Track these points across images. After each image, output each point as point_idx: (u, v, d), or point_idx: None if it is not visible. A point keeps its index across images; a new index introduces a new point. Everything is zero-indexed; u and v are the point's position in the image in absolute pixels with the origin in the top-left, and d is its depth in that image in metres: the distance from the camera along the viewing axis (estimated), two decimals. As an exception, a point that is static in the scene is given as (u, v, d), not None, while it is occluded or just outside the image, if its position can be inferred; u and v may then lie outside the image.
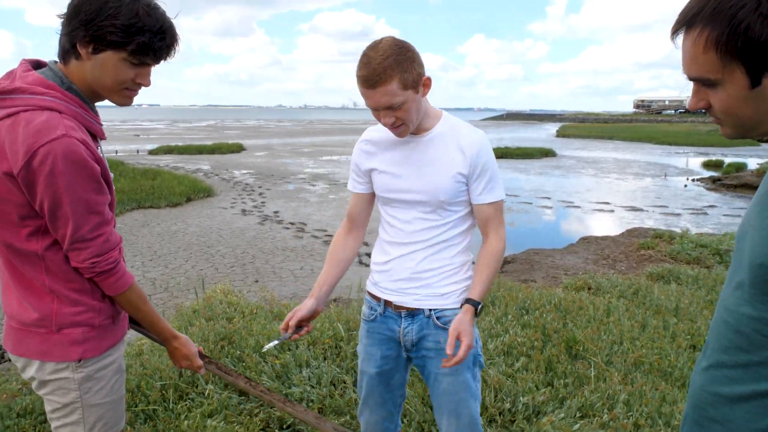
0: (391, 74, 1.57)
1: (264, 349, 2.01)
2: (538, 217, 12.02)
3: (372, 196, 1.95)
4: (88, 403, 1.54)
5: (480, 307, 1.73)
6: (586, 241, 9.08)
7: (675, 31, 0.97)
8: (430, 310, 1.82)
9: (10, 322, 1.50)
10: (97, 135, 1.46)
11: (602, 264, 7.43)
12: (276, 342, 1.87)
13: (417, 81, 1.64)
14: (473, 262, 1.91)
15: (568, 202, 13.84)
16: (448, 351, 1.62)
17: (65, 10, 1.37)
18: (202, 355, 1.81)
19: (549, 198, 14.31)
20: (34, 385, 1.55)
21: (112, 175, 1.53)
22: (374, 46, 1.61)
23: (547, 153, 26.78)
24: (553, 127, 65.48)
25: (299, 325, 1.85)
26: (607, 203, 13.67)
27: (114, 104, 1.51)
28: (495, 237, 1.82)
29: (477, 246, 1.88)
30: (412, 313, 1.85)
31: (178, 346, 1.73)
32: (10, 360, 3.76)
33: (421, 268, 1.82)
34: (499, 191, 1.80)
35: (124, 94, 1.46)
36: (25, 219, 1.37)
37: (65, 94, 1.37)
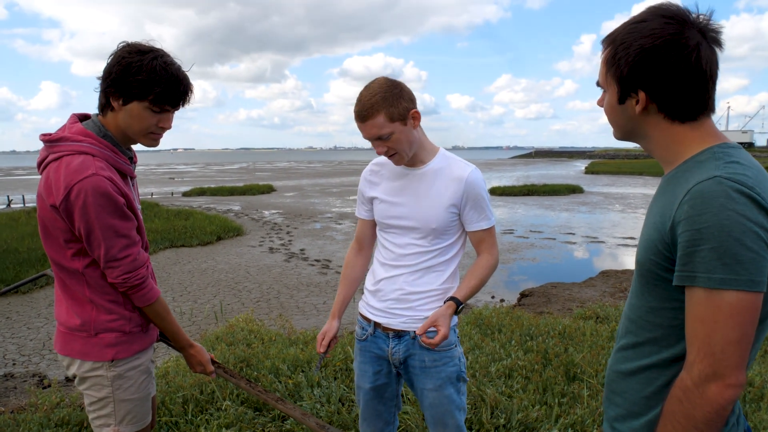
0: (378, 109, 1.79)
1: (315, 373, 2.30)
2: (561, 252, 12.07)
3: (375, 222, 2.14)
4: (119, 398, 1.83)
5: (461, 306, 1.88)
6: (606, 274, 9.15)
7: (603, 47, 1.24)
8: (415, 332, 1.91)
9: (60, 327, 1.82)
10: (126, 173, 1.79)
11: (619, 296, 7.51)
12: (319, 364, 2.14)
13: (404, 114, 1.83)
14: None
15: (592, 237, 13.87)
16: (419, 332, 1.79)
17: (101, 73, 1.72)
18: (213, 362, 2.10)
19: (573, 233, 14.36)
20: (75, 381, 1.86)
21: (139, 206, 1.86)
22: (367, 86, 1.85)
23: (574, 189, 26.74)
24: (582, 164, 65.19)
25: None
26: (633, 238, 13.64)
27: (144, 146, 1.85)
28: (488, 254, 2.01)
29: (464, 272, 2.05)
30: (399, 334, 2.01)
31: (193, 353, 2.03)
32: (49, 386, 4.10)
33: (408, 290, 1.99)
34: (491, 218, 1.99)
35: (150, 137, 1.79)
36: (69, 242, 1.70)
37: (99, 141, 1.70)
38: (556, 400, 3.32)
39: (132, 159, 1.85)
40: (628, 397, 1.26)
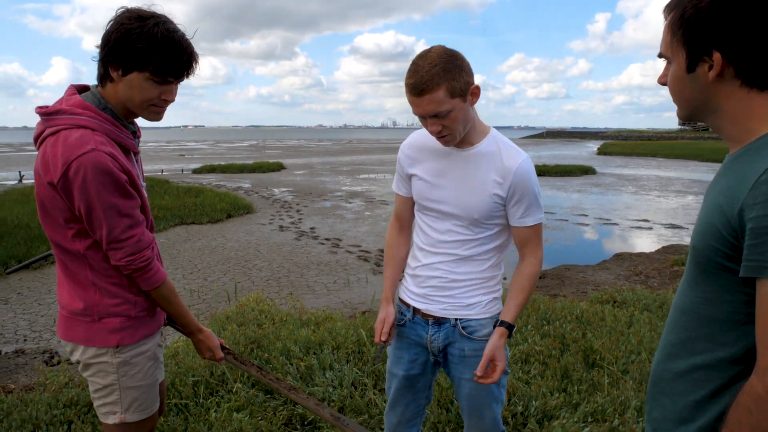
0: (439, 82, 1.58)
1: (375, 363, 2.18)
2: (574, 234, 11.94)
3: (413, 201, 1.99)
4: (125, 385, 1.75)
5: (513, 329, 1.78)
6: (620, 257, 9.01)
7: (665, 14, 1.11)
8: (456, 319, 1.87)
9: (62, 312, 1.73)
10: (128, 148, 1.66)
11: (634, 280, 7.38)
12: (379, 354, 1.99)
13: (465, 89, 1.62)
14: (504, 277, 1.98)
15: (605, 219, 13.69)
16: (478, 373, 1.70)
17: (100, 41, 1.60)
18: (223, 348, 2.01)
19: (586, 215, 14.19)
20: (79, 367, 1.77)
21: (144, 183, 1.75)
22: (423, 55, 1.62)
23: (586, 170, 26.46)
24: (594, 145, 64.48)
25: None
26: (646, 221, 13.46)
27: (147, 120, 1.72)
28: (532, 258, 1.82)
29: (511, 262, 1.91)
30: (439, 321, 1.89)
31: (202, 338, 1.93)
32: (59, 363, 4.06)
33: (449, 279, 1.86)
34: (539, 214, 1.79)
35: (152, 110, 1.65)
36: (69, 222, 1.59)
37: (99, 114, 1.57)
38: (576, 388, 3.23)
39: (135, 133, 1.72)
40: (675, 400, 1.15)
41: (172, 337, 4.47)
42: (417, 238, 1.97)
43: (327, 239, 10.93)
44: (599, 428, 2.80)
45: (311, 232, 11.70)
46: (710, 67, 1.02)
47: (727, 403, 1.03)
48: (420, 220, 1.94)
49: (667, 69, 1.12)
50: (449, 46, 1.63)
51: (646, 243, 10.85)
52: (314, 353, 3.69)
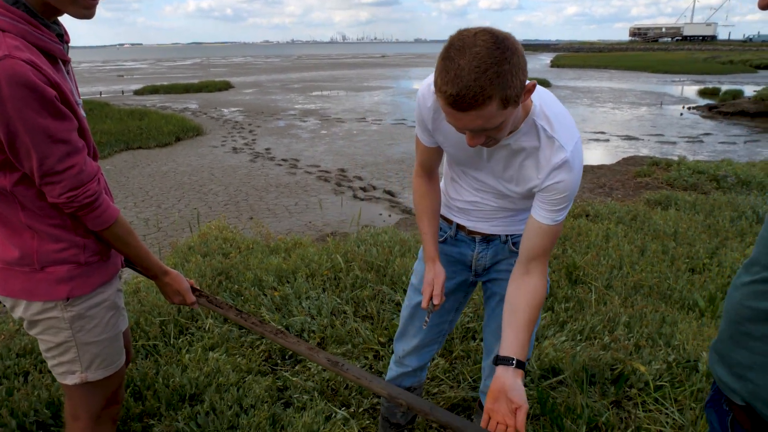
0: (490, 94, 1.16)
1: (424, 325, 1.83)
2: (533, 148, 11.87)
3: (441, 150, 1.67)
4: (82, 341, 1.48)
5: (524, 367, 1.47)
6: (582, 170, 9.01)
7: None
8: (507, 236, 1.69)
9: None
10: (55, 55, 1.29)
11: (599, 192, 7.40)
12: (428, 316, 1.70)
13: (519, 94, 1.21)
14: None
15: (563, 132, 13.65)
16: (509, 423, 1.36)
17: None
18: (194, 290, 1.75)
19: (544, 129, 14.11)
20: (24, 325, 1.48)
21: (80, 100, 1.40)
22: (465, 49, 1.16)
23: (541, 83, 26.23)
24: (547, 58, 64.08)
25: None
26: (603, 132, 13.52)
27: (75, 17, 1.32)
28: (539, 274, 1.49)
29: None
30: (488, 238, 1.71)
31: (169, 281, 1.66)
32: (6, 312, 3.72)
33: (495, 206, 1.65)
34: (561, 215, 1.45)
35: (81, 4, 1.27)
36: None
37: (9, 10, 1.19)
38: (562, 306, 3.15)
39: (62, 37, 1.33)
40: None
41: (132, 271, 4.17)
42: (452, 170, 1.68)
43: (284, 160, 10.53)
44: (591, 346, 2.73)
45: (266, 153, 11.23)
46: None
47: None
48: (452, 171, 1.67)
49: None
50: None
51: (604, 155, 10.91)
52: (288, 282, 3.48)
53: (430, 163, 1.69)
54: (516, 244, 1.70)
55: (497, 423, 1.35)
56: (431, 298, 1.61)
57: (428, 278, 1.63)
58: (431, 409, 1.43)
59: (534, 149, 1.43)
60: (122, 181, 9.01)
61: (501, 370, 1.39)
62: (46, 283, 1.39)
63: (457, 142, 1.51)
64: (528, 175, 1.47)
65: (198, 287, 1.79)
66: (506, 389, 1.36)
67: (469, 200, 1.68)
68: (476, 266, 1.76)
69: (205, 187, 8.65)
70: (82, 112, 1.36)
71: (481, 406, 1.95)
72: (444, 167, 1.77)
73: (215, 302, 1.77)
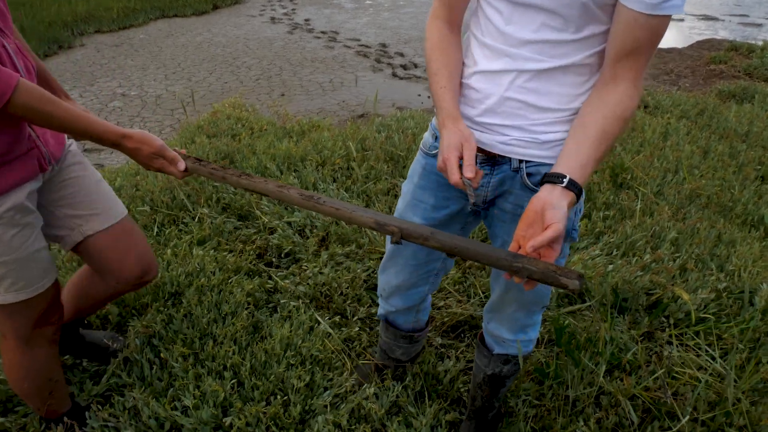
0: None
1: (470, 208, 1.40)
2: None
3: None
4: None
5: (582, 194, 1.13)
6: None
7: None
8: (522, 161, 1.24)
9: None
10: None
11: (663, 80, 6.58)
12: (472, 191, 1.16)
13: None
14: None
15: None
16: (528, 249, 1.03)
17: None
18: (185, 157, 1.40)
19: None
20: None
21: None
22: None
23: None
24: None
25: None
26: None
27: None
28: (628, 81, 1.11)
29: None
30: (495, 159, 1.26)
31: (134, 145, 1.30)
32: None
33: (522, 98, 1.19)
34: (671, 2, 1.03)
35: None
36: None
37: None
38: (600, 214, 2.74)
39: None
40: None
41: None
42: (477, 30, 1.24)
43: (323, 32, 9.85)
44: (627, 265, 2.35)
45: (306, 24, 10.54)
46: None
47: None
48: (488, 5, 1.19)
49: None
50: None
51: (676, 37, 9.70)
52: (295, 170, 3.17)
53: (454, 3, 1.26)
54: (531, 176, 1.23)
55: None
56: (461, 170, 1.11)
57: (453, 140, 1.13)
58: (431, 233, 1.15)
59: None
60: (155, 51, 8.65)
61: (545, 190, 1.07)
62: None
63: None
64: None
65: (186, 153, 1.43)
66: (545, 209, 1.04)
67: (489, 69, 1.20)
68: (476, 195, 1.30)
69: (238, 60, 8.22)
70: None
71: (483, 341, 1.64)
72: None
73: (209, 166, 1.40)
